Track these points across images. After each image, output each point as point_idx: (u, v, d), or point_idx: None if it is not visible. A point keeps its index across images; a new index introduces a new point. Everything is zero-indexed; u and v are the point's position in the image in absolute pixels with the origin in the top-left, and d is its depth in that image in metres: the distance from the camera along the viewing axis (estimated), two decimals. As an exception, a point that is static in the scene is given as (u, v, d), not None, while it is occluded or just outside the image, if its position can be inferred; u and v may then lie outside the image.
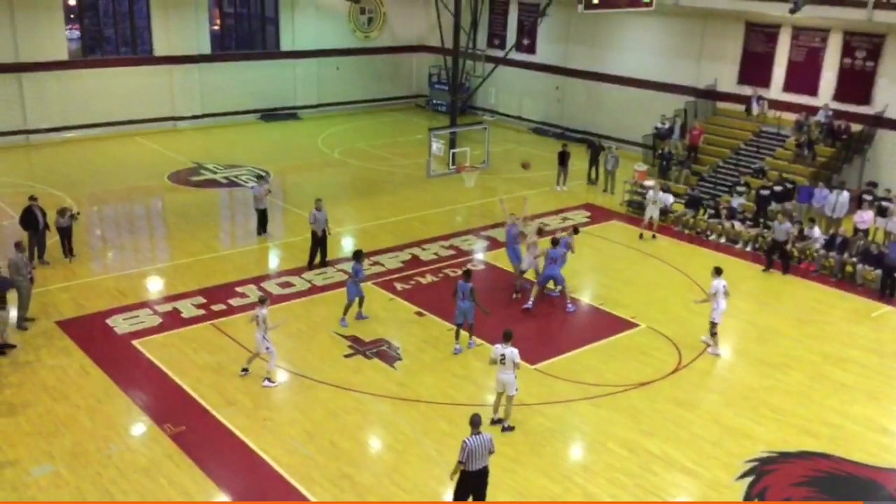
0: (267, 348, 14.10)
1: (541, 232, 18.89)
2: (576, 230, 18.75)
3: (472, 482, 10.36)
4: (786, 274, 19.90)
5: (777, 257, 20.15)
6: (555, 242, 17.40)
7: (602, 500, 11.42)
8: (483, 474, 10.38)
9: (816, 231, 20.69)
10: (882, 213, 21.35)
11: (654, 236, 22.05)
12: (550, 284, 17.76)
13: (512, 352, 12.60)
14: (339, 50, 36.98)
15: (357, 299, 16.43)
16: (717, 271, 15.75)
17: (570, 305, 17.63)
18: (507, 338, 12.72)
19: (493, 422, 12.91)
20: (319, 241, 19.14)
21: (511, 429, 12.88)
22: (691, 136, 26.59)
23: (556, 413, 13.62)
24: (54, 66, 30.01)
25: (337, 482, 11.60)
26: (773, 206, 22.48)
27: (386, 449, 12.67)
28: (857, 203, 22.14)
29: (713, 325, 15.63)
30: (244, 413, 13.24)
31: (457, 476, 10.35)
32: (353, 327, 16.31)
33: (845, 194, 21.95)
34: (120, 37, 32.17)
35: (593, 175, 27.24)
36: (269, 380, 14.18)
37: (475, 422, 10.28)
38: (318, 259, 19.25)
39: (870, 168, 25.10)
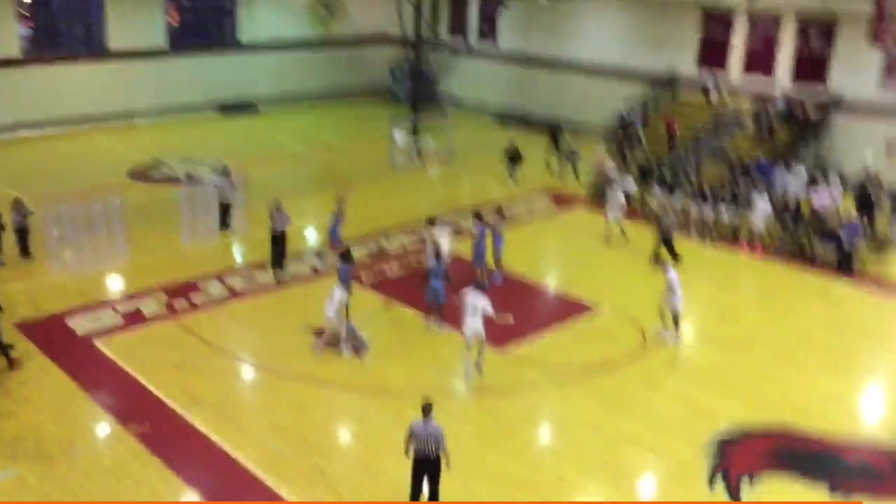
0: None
1: (500, 213, 18.90)
2: (500, 212, 18.79)
3: (422, 466, 10.48)
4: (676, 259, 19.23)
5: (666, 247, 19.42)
6: (478, 217, 18.01)
7: (573, 481, 11.53)
8: (432, 463, 10.42)
9: (761, 203, 20.68)
10: (836, 193, 21.71)
11: (620, 234, 20.91)
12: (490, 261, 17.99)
13: (483, 302, 13.56)
14: (299, 41, 36.65)
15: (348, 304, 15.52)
16: (663, 263, 15.87)
17: (498, 277, 18.05)
18: (479, 287, 13.96)
19: (476, 365, 13.90)
20: (280, 244, 18.28)
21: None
22: (667, 126, 26.59)
23: (526, 397, 13.71)
24: (6, 64, 29.33)
25: (308, 476, 11.54)
26: (662, 197, 22.44)
27: (357, 441, 12.66)
28: (811, 182, 22.45)
29: (664, 312, 15.55)
30: (210, 410, 13.10)
31: (411, 457, 10.51)
32: (320, 320, 16.16)
33: (800, 171, 22.21)
34: (74, 32, 31.54)
35: (553, 163, 27.24)
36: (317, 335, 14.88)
37: (425, 408, 10.38)
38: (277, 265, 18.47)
39: (826, 150, 25.53)
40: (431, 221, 18.04)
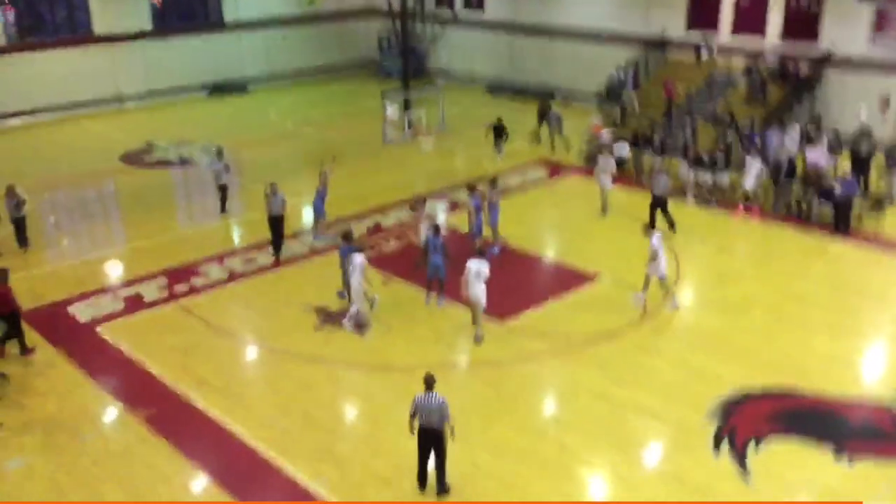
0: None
1: (494, 184, 18.84)
2: (494, 184, 18.71)
3: (427, 438, 10.57)
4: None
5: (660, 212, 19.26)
6: (471, 190, 18.02)
7: (576, 450, 11.63)
8: (437, 435, 10.52)
9: (757, 163, 20.60)
10: (831, 150, 21.70)
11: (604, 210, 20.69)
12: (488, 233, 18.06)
13: (485, 268, 14.09)
14: (285, 18, 36.30)
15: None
16: (649, 229, 15.88)
17: (495, 248, 18.09)
18: (481, 253, 14.35)
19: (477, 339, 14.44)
20: (277, 227, 18.11)
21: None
22: (666, 90, 26.44)
23: (528, 369, 13.79)
24: (-9, 52, 29.13)
25: (315, 454, 11.64)
26: (655, 160, 22.28)
27: (362, 417, 12.75)
28: (806, 140, 22.38)
29: (661, 280, 15.55)
30: (216, 391, 13.18)
31: (416, 431, 10.60)
32: (322, 298, 16.25)
33: (796, 130, 22.14)
34: (58, 17, 31.20)
35: (542, 134, 26.99)
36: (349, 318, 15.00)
37: (428, 381, 10.46)
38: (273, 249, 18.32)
39: (819, 106, 25.46)
40: (422, 200, 18.11)
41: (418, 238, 17.36)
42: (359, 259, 14.68)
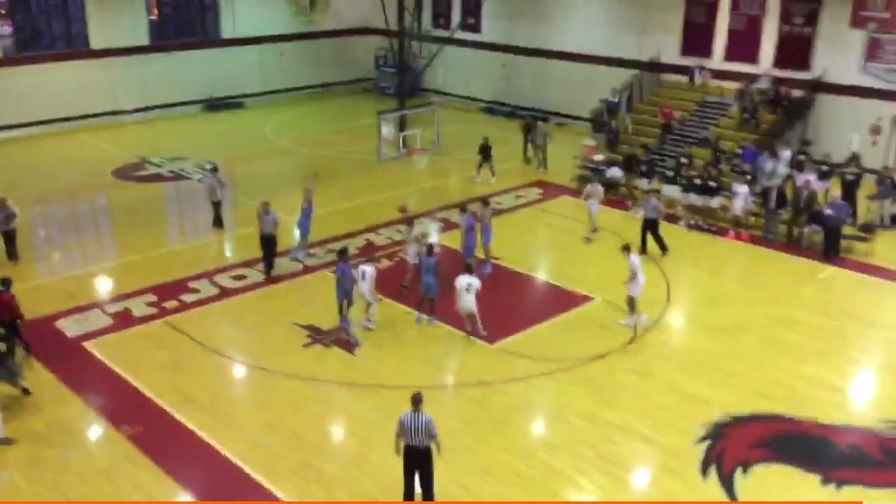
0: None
1: (486, 203, 18.91)
2: (487, 203, 18.81)
3: (414, 459, 10.51)
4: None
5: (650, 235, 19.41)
6: (463, 210, 18.23)
7: (566, 473, 11.57)
8: (423, 454, 10.46)
9: (745, 188, 20.62)
10: (822, 176, 21.83)
11: (594, 230, 20.55)
12: (480, 253, 18.11)
13: (475, 281, 14.98)
14: (282, 35, 36.44)
15: (345, 303, 15.42)
16: (627, 248, 15.98)
17: (487, 267, 18.20)
18: (468, 269, 15.39)
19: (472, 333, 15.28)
20: (270, 246, 18.05)
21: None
22: (663, 115, 26.57)
23: (517, 390, 13.75)
24: (-13, 65, 29.13)
25: (302, 473, 11.56)
26: (644, 183, 22.56)
27: (350, 436, 12.67)
28: (796, 166, 22.49)
29: (631, 299, 15.72)
30: (203, 410, 13.10)
31: (401, 452, 10.55)
32: (311, 317, 16.21)
33: (785, 155, 22.25)
34: (55, 31, 31.27)
35: (529, 153, 26.99)
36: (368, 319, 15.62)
37: (415, 400, 10.42)
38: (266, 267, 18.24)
39: (811, 132, 25.62)
40: (410, 220, 18.11)
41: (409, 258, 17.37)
42: (370, 269, 15.35)
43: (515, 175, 25.80)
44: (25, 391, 13.36)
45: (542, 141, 26.12)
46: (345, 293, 15.34)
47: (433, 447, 10.49)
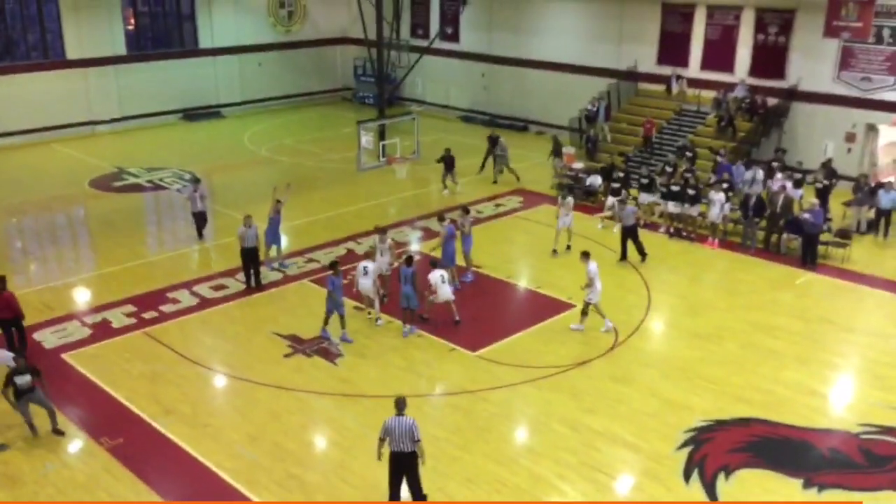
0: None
1: (466, 212, 18.95)
2: (465, 210, 18.89)
3: (399, 464, 10.55)
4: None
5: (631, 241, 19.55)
6: (441, 219, 18.28)
7: (549, 480, 11.58)
8: (409, 457, 10.50)
9: (721, 195, 20.71)
10: (797, 184, 22.09)
11: (568, 247, 20.10)
12: (461, 261, 18.16)
13: (446, 273, 16.02)
14: (261, 45, 36.37)
15: (337, 315, 15.40)
16: (587, 255, 16.11)
17: (468, 275, 18.29)
18: (434, 265, 16.12)
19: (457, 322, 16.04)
20: (251, 259, 17.86)
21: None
22: (644, 129, 26.73)
23: (500, 398, 13.75)
24: (-39, 75, 28.82)
25: (284, 483, 11.48)
26: (610, 201, 22.23)
27: (332, 446, 12.60)
28: (768, 172, 22.73)
29: (587, 305, 15.87)
30: (183, 421, 12.98)
31: (385, 457, 10.57)
32: (292, 326, 16.14)
33: (760, 172, 22.46)
34: (30, 41, 31.00)
35: (486, 165, 26.60)
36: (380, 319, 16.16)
37: (398, 404, 10.50)
38: (253, 281, 18.05)
39: (786, 140, 25.95)
40: (382, 230, 17.73)
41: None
42: (372, 265, 16.02)
43: (497, 184, 25.84)
44: (58, 432, 12.74)
45: (500, 155, 25.95)
46: (335, 305, 15.27)
47: (418, 452, 10.49)
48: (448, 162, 24.96)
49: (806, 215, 19.52)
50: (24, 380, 12.26)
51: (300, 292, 17.88)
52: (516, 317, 17.17)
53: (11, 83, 29.94)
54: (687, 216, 21.53)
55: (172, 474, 11.78)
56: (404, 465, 10.53)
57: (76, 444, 12.48)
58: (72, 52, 31.29)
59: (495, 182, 25.97)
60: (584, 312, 15.98)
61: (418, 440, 10.41)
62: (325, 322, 15.54)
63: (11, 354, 13.29)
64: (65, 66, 31.20)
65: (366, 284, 15.88)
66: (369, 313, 16.37)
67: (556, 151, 26.44)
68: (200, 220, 20.88)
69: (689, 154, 24.29)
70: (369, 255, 17.44)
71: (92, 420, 13.05)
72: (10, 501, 11.17)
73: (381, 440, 10.50)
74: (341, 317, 15.42)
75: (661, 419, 13.09)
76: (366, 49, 30.64)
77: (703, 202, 21.60)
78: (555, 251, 20.01)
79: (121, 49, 32.53)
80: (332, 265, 15.62)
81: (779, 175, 22.14)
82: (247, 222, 17.68)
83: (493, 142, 26.42)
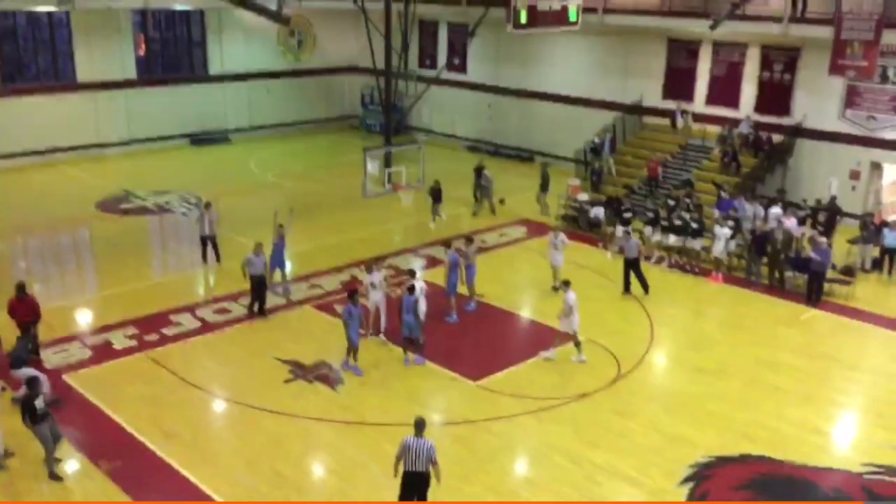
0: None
1: (470, 241, 18.98)
2: (470, 240, 18.88)
3: (412, 482, 10.58)
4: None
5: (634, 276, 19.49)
6: (447, 246, 18.44)
7: (549, 513, 11.49)
8: (423, 478, 10.54)
9: (726, 230, 20.66)
10: (801, 222, 22.07)
11: (554, 288, 19.40)
12: (462, 290, 18.11)
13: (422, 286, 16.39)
14: (270, 72, 36.70)
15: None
16: (567, 283, 16.16)
17: (471, 304, 18.22)
18: (412, 274, 16.88)
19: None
20: (257, 287, 17.76)
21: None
22: (649, 169, 26.68)
23: (501, 429, 13.66)
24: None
25: (282, 511, 11.40)
26: (619, 231, 21.96)
27: (331, 474, 12.51)
28: (765, 207, 22.63)
29: (560, 335, 15.94)
30: (183, 445, 12.91)
31: (399, 476, 10.60)
32: (293, 352, 16.10)
33: (761, 209, 22.41)
34: (42, 64, 31.33)
35: (477, 195, 26.42)
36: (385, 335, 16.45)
37: (418, 424, 10.61)
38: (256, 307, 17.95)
39: (791, 176, 26.02)
40: (376, 260, 17.70)
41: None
42: (420, 285, 16.17)
43: (499, 213, 25.90)
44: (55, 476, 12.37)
45: (485, 187, 25.88)
46: (352, 333, 15.17)
47: (432, 472, 10.48)
48: (435, 194, 24.93)
49: (814, 254, 19.40)
50: (41, 403, 12.02)
51: (303, 318, 17.86)
52: (518, 347, 17.11)
53: (22, 105, 30.18)
54: (690, 250, 21.51)
55: (170, 499, 11.68)
56: (417, 485, 10.56)
57: (73, 465, 12.40)
58: (83, 76, 31.58)
59: (474, 214, 25.87)
60: (577, 343, 15.94)
61: (435, 462, 10.46)
62: (349, 352, 15.43)
63: (44, 376, 13.34)
64: (75, 89, 31.47)
65: (423, 305, 15.79)
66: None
67: (544, 185, 26.06)
68: (208, 243, 20.79)
69: (689, 189, 24.32)
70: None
71: (90, 442, 12.98)
72: (10, 501, 11.09)
73: (398, 458, 10.55)
74: (355, 349, 15.38)
75: (664, 454, 12.99)
76: (373, 78, 30.92)
77: (706, 236, 21.59)
78: (555, 287, 19.49)
79: (131, 73, 32.84)
80: (350, 294, 15.40)
81: (773, 211, 22.04)
82: (256, 250, 17.61)
83: (478, 173, 26.42)
